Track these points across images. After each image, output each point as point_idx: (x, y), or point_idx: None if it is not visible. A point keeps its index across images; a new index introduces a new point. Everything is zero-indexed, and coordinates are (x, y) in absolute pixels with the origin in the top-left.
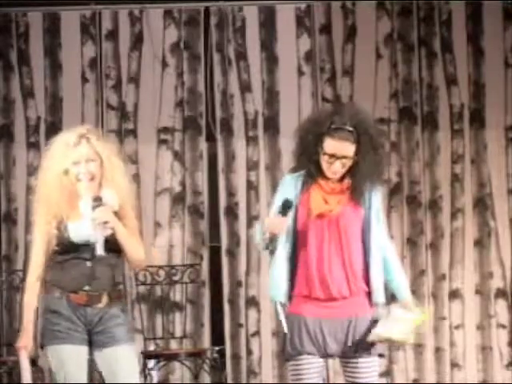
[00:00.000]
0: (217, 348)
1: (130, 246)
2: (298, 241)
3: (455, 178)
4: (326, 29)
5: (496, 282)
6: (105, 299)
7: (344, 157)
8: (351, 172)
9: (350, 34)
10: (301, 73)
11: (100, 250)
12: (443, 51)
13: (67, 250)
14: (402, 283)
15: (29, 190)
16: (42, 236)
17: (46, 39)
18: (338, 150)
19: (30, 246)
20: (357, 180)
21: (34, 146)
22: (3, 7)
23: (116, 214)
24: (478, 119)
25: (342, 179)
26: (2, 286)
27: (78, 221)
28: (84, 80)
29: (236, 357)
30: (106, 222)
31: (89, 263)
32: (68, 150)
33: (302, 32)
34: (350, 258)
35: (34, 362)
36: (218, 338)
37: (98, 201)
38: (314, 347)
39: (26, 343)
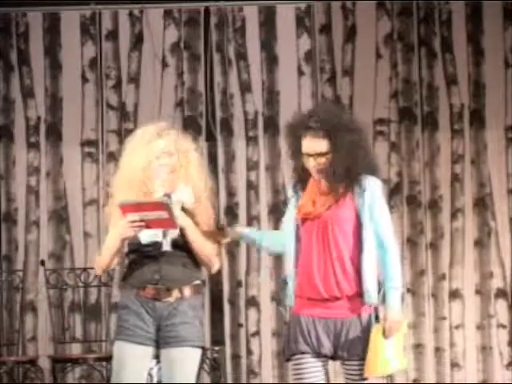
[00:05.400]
0: (217, 348)
1: (198, 243)
2: (298, 244)
3: (455, 178)
4: (326, 29)
5: (496, 282)
6: (175, 294)
7: (318, 154)
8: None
9: (350, 34)
10: (301, 73)
11: (166, 246)
12: (443, 51)
13: (135, 249)
14: (389, 291)
15: (29, 189)
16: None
17: (46, 39)
18: (311, 148)
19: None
20: (332, 176)
21: (34, 145)
22: (3, 7)
23: (189, 210)
24: (478, 119)
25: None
26: (2, 286)
27: None
28: (84, 80)
29: (236, 357)
30: None
31: (157, 259)
32: (149, 143)
33: (302, 32)
34: (340, 259)
35: (33, 362)
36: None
37: (167, 197)
38: (308, 346)
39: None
